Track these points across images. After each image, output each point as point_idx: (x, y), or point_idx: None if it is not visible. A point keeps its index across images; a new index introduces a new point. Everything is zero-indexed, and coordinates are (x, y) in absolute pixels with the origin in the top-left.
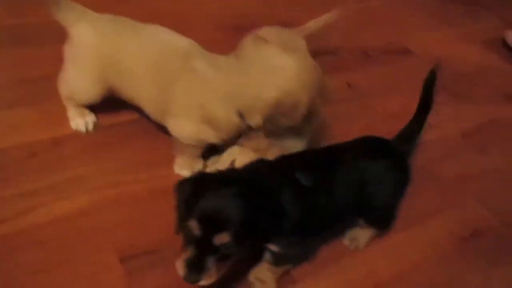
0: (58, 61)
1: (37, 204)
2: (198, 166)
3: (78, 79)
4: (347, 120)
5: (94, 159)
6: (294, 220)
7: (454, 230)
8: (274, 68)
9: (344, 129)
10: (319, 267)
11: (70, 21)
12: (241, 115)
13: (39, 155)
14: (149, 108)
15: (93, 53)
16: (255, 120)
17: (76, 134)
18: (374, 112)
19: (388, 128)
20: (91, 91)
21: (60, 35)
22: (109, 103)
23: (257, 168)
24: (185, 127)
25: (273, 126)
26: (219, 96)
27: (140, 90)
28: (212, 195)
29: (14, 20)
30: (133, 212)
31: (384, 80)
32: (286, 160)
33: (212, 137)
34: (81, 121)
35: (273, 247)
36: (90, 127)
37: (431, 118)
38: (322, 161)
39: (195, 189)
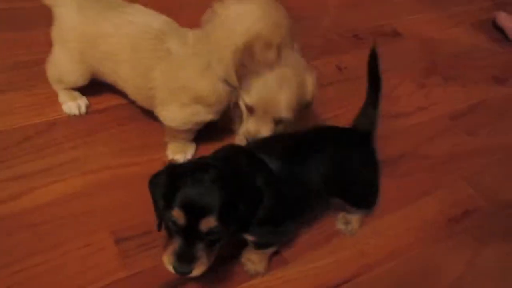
0: (49, 46)
1: (31, 187)
2: (191, 150)
3: (63, 61)
4: (339, 103)
5: (87, 143)
6: (265, 207)
7: (444, 210)
8: (237, 18)
9: (335, 111)
10: (310, 248)
11: (54, 3)
12: (225, 81)
13: (33, 139)
14: (134, 95)
15: (75, 34)
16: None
17: (69, 118)
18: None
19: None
20: (76, 73)
21: (51, 19)
22: (102, 87)
23: (229, 153)
24: (176, 114)
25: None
26: (197, 71)
27: (122, 76)
28: (191, 182)
29: (3, 4)
30: (127, 194)
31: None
32: (257, 145)
33: (206, 115)
34: (73, 104)
35: (249, 237)
36: (83, 110)
37: (421, 100)
38: (292, 146)
39: (171, 180)
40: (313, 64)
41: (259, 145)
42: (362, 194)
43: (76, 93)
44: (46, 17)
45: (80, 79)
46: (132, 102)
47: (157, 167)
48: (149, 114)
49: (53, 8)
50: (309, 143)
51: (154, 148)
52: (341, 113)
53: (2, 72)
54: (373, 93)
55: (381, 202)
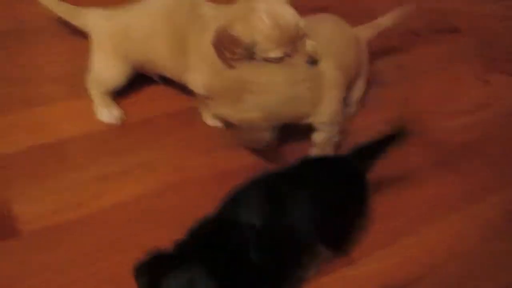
0: None
1: (109, 188)
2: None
3: (102, 65)
4: (400, 102)
5: (158, 145)
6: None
7: (510, 208)
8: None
9: (397, 111)
10: (376, 247)
11: (85, 23)
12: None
13: (110, 142)
14: (172, 70)
15: (107, 36)
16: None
17: (142, 122)
18: (426, 92)
19: (440, 107)
20: (116, 72)
21: None
22: (172, 93)
23: (208, 230)
24: (205, 79)
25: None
26: None
27: (159, 54)
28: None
29: None
30: (197, 194)
31: (434, 60)
32: (234, 205)
33: None
34: (107, 113)
35: None
36: (117, 121)
37: (483, 96)
38: (272, 198)
39: (153, 278)
40: (371, 63)
41: (236, 207)
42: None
43: (111, 102)
44: None
45: (120, 77)
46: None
47: (225, 167)
48: None
49: (85, 28)
50: (292, 185)
51: (220, 149)
52: (403, 112)
53: (79, 77)
54: (386, 142)
55: (446, 200)
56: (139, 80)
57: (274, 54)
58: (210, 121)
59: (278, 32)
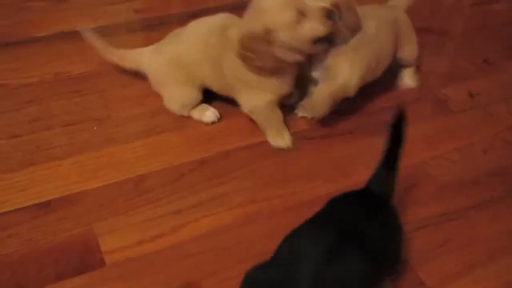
0: None
1: (187, 221)
2: (286, 132)
3: (174, 94)
4: (473, 130)
5: (233, 178)
6: None
7: None
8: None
9: (470, 138)
10: (451, 276)
11: (138, 63)
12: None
13: (186, 176)
14: (223, 90)
15: (165, 68)
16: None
17: (216, 156)
18: (499, 119)
19: None
20: (187, 92)
21: None
22: (244, 126)
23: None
24: (254, 98)
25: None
26: None
27: (210, 78)
28: None
29: None
30: (271, 226)
31: (508, 87)
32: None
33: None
34: (209, 113)
35: None
36: (218, 115)
37: None
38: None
39: None
40: (442, 91)
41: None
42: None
43: (205, 105)
44: None
45: (196, 96)
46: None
47: (298, 198)
48: (288, 149)
49: (139, 68)
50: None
51: (293, 182)
52: (476, 140)
53: (156, 115)
54: (394, 151)
55: None
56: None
57: (285, 21)
58: (276, 142)
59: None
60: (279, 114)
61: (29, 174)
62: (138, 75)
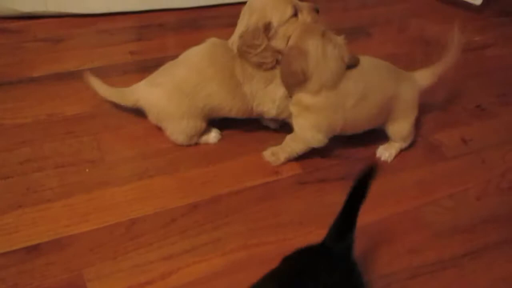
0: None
1: (178, 267)
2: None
3: (177, 129)
4: (466, 176)
5: (226, 223)
6: None
7: None
8: None
9: (464, 185)
10: None
11: (135, 99)
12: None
13: (178, 220)
14: (234, 107)
15: (165, 100)
16: None
17: (209, 200)
18: (493, 166)
19: (508, 181)
20: (191, 122)
21: None
22: (238, 171)
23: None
24: (279, 91)
25: None
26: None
27: (219, 97)
28: None
29: None
30: (264, 273)
31: (501, 133)
32: None
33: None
34: (214, 133)
35: None
36: (219, 136)
37: None
38: None
39: None
40: (435, 136)
41: None
42: None
43: (209, 128)
44: None
45: (197, 124)
46: (266, 183)
47: (291, 246)
48: (283, 193)
49: (137, 104)
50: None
51: (286, 227)
52: (470, 187)
53: (150, 158)
54: (354, 206)
55: None
56: (205, 162)
57: (285, 15)
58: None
59: None
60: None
61: (18, 217)
62: (132, 116)
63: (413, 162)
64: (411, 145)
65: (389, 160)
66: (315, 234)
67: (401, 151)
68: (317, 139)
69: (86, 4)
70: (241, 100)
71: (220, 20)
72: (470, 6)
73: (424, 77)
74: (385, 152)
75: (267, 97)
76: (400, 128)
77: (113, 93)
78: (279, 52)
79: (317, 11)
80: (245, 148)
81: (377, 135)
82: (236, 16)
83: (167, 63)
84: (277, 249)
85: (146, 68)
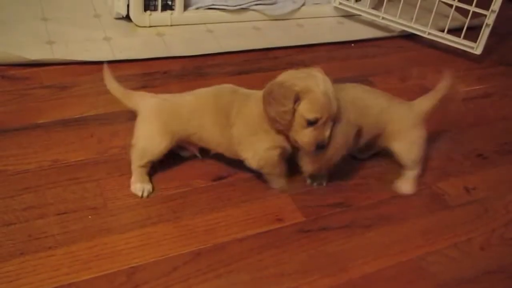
0: (193, 178)
1: None
2: (285, 179)
3: (148, 140)
4: (471, 225)
5: (229, 271)
6: None
7: None
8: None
9: (468, 234)
10: None
11: (136, 102)
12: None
13: (180, 269)
14: (219, 143)
15: (157, 112)
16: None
17: (212, 248)
18: (496, 216)
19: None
20: (161, 146)
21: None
22: (240, 217)
23: None
24: (262, 148)
25: None
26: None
27: (208, 130)
28: None
29: None
30: None
31: (503, 182)
32: None
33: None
34: (140, 186)
35: None
36: (146, 194)
37: None
38: None
39: None
40: (439, 185)
41: None
42: None
43: (147, 178)
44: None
45: (163, 150)
46: (269, 231)
47: None
48: (286, 241)
49: (135, 107)
50: None
51: (289, 276)
52: (473, 236)
53: (153, 205)
54: None
55: None
56: (208, 209)
57: (311, 115)
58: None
59: (324, 99)
60: (283, 166)
61: (19, 264)
62: None
63: (416, 211)
64: (414, 194)
65: (411, 192)
66: (319, 283)
67: (405, 200)
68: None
69: (91, 52)
70: (228, 140)
71: (224, 68)
72: (471, 56)
73: (420, 103)
74: (403, 186)
75: (249, 145)
76: (404, 148)
77: (120, 91)
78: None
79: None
80: (248, 195)
81: (381, 186)
82: (240, 64)
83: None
84: None
85: None
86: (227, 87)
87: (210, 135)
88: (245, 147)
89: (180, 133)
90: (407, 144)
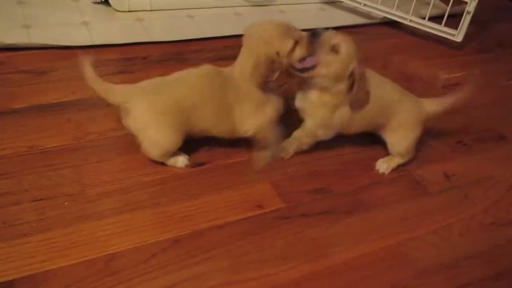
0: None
1: None
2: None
3: (161, 138)
4: (450, 211)
5: (208, 258)
6: None
7: None
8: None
9: (448, 220)
10: None
11: (123, 99)
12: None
13: (158, 255)
14: (221, 129)
15: (158, 110)
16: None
17: (191, 234)
18: (475, 202)
19: (491, 217)
20: (172, 138)
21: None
22: (221, 205)
23: None
24: (260, 116)
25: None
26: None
27: (208, 120)
28: None
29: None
30: None
31: (482, 168)
32: None
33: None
34: (180, 158)
35: None
36: (187, 162)
37: None
38: None
39: None
40: (418, 172)
41: None
42: None
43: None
44: None
45: (178, 142)
46: (249, 218)
47: (274, 282)
48: (266, 228)
49: (124, 104)
50: None
51: (269, 262)
52: (453, 222)
53: (131, 192)
54: None
55: None
56: (186, 196)
57: (287, 48)
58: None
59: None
60: (277, 132)
61: None
62: (114, 150)
63: (397, 198)
64: (395, 181)
65: (386, 172)
66: (300, 269)
67: (386, 187)
68: (326, 134)
69: (69, 36)
70: (230, 123)
71: (205, 53)
72: (452, 43)
73: (430, 103)
74: (383, 165)
75: (252, 119)
76: (398, 141)
77: (101, 86)
78: (288, 72)
79: (317, 35)
80: (228, 182)
81: (362, 172)
82: (220, 50)
83: (155, 78)
84: (260, 285)
85: None
86: (212, 69)
87: (213, 124)
88: (246, 121)
89: (184, 128)
90: (402, 139)
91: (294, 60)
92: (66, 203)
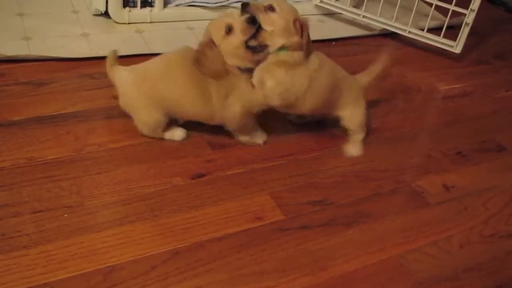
0: (172, 176)
1: None
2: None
3: (143, 115)
4: (450, 222)
5: (208, 270)
6: None
7: None
8: None
9: (448, 231)
10: None
11: (113, 77)
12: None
13: (158, 267)
14: (203, 115)
15: (139, 92)
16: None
17: (190, 246)
18: (475, 213)
19: (491, 229)
20: (158, 115)
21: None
22: (220, 217)
23: None
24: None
25: None
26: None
27: (193, 106)
28: None
29: (129, 141)
30: None
31: (482, 180)
32: None
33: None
34: (177, 132)
35: None
36: (185, 135)
37: None
38: None
39: None
40: (418, 183)
41: None
42: None
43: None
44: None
45: (162, 119)
46: (248, 230)
47: None
48: (266, 240)
49: (113, 83)
50: None
51: (268, 274)
52: (453, 234)
53: (131, 203)
54: None
55: None
56: (186, 208)
57: (220, 34)
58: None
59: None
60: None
61: None
62: (113, 161)
63: (396, 209)
64: (394, 192)
65: (360, 153)
66: (299, 282)
67: (385, 198)
68: (284, 100)
69: (69, 48)
70: (209, 110)
71: None
72: (450, 54)
73: (362, 77)
74: (351, 149)
75: (229, 108)
76: (353, 114)
77: (109, 62)
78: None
79: (246, 6)
80: (227, 194)
81: (361, 184)
82: None
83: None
84: None
85: (128, 113)
86: (188, 50)
87: (197, 110)
88: (226, 110)
89: (166, 107)
90: (356, 110)
91: (235, 44)
92: (65, 215)
